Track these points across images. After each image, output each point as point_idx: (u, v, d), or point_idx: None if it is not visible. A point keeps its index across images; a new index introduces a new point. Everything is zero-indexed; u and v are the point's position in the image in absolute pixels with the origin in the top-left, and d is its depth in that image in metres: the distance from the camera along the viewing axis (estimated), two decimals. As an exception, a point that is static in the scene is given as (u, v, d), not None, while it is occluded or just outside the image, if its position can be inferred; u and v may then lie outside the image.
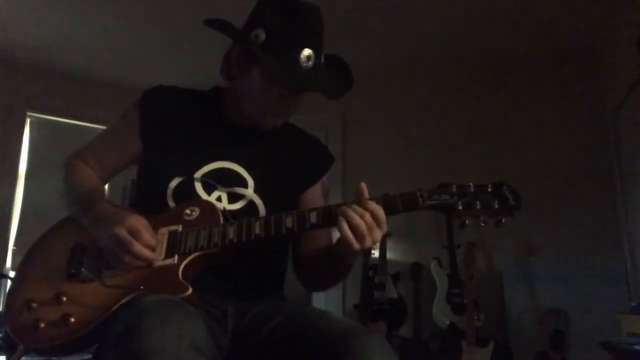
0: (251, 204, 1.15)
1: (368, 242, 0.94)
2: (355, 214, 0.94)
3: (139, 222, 1.00)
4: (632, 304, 2.47)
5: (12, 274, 3.06)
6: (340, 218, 0.94)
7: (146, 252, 0.98)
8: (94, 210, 1.07)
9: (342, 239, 0.94)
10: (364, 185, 0.98)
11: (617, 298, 2.68)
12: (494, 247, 3.06)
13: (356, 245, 0.93)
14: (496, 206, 0.96)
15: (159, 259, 1.00)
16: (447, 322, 2.77)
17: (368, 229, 0.93)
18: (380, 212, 0.95)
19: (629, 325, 2.28)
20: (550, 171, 3.10)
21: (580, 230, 2.95)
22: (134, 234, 0.98)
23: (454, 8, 2.81)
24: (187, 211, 1.08)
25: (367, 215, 0.94)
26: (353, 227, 0.93)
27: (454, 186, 0.98)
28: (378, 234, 0.95)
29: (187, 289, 0.95)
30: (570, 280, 2.82)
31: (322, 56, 1.12)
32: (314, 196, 1.25)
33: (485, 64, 3.37)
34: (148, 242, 0.99)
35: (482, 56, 3.32)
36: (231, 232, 1.01)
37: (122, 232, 0.97)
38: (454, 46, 3.24)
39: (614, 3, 2.69)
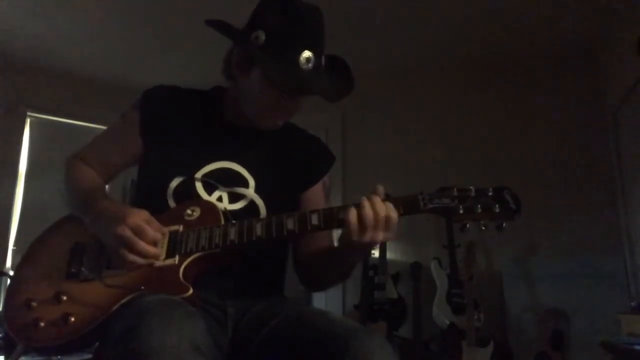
0: (252, 204, 1.15)
1: (367, 237, 0.94)
2: (368, 206, 0.94)
3: (141, 218, 0.99)
4: (632, 304, 2.47)
5: (12, 273, 3.06)
6: (352, 207, 0.94)
7: (151, 250, 0.98)
8: (95, 208, 1.07)
9: (345, 227, 0.94)
10: (381, 188, 0.98)
11: (617, 298, 2.69)
12: (494, 247, 3.06)
13: (355, 235, 0.93)
14: (497, 210, 0.96)
15: (160, 259, 1.00)
16: (447, 322, 2.77)
17: (374, 224, 0.93)
18: (393, 214, 0.95)
19: (629, 325, 2.28)
20: (550, 171, 3.10)
21: (580, 230, 2.94)
22: (138, 232, 0.97)
23: (454, 8, 2.81)
24: (188, 211, 1.08)
25: (382, 214, 0.94)
26: (361, 216, 0.93)
27: (455, 190, 0.98)
28: (380, 235, 0.95)
29: (187, 290, 0.95)
30: (570, 280, 2.82)
31: (323, 58, 1.12)
32: (315, 196, 1.25)
33: (485, 64, 3.37)
34: (153, 238, 0.99)
35: (482, 56, 3.33)
36: (232, 233, 1.01)
37: (126, 232, 0.96)
38: (454, 46, 3.24)
39: (613, 3, 2.69)
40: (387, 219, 0.94)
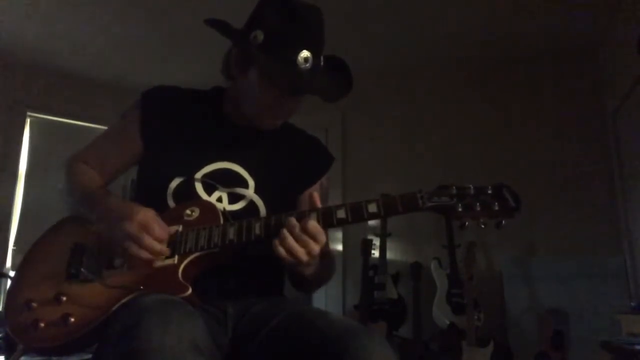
0: (252, 204, 1.15)
1: (302, 256, 0.96)
2: (284, 230, 0.96)
3: (149, 216, 1.00)
4: (632, 303, 2.47)
5: (12, 273, 3.06)
6: (278, 244, 0.96)
7: (157, 246, 0.99)
8: (102, 205, 1.07)
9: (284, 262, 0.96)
10: (315, 195, 1.01)
11: (617, 298, 2.69)
12: (494, 247, 3.06)
13: (288, 259, 0.95)
14: (496, 208, 0.96)
15: (160, 259, 1.01)
16: (447, 322, 2.77)
17: (297, 241, 0.95)
18: (310, 224, 0.96)
19: (629, 325, 2.28)
20: (550, 171, 3.10)
21: (580, 230, 2.94)
22: (145, 228, 0.98)
23: (453, 8, 2.81)
24: (187, 211, 1.08)
25: (297, 228, 0.95)
26: (281, 241, 0.95)
27: (454, 188, 0.98)
28: (313, 245, 0.96)
29: (187, 289, 0.95)
30: (570, 280, 2.82)
31: (322, 58, 1.12)
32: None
33: (485, 64, 3.38)
34: (159, 235, 1.00)
35: (482, 56, 3.33)
36: (231, 233, 1.01)
37: (133, 228, 0.97)
38: (454, 46, 3.24)
39: (614, 3, 2.69)
40: (304, 229, 0.95)
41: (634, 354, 1.89)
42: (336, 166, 1.35)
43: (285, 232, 0.96)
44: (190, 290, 0.95)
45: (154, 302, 0.84)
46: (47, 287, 1.02)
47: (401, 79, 3.56)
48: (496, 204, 0.96)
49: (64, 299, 0.99)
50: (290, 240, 0.95)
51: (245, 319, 1.09)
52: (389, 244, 3.10)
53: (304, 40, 1.08)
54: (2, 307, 2.48)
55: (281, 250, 0.96)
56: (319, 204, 1.00)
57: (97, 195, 1.11)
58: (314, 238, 0.96)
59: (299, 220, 0.97)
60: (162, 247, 1.00)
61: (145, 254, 0.98)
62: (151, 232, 0.99)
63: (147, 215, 1.00)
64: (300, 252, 0.96)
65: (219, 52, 1.22)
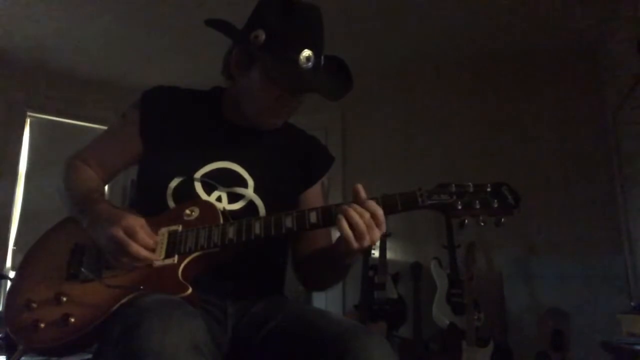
0: (251, 204, 1.15)
1: (367, 242, 0.94)
2: (355, 213, 0.94)
3: (136, 222, 0.99)
4: (632, 304, 2.47)
5: (12, 274, 3.06)
6: (340, 216, 0.94)
7: (143, 252, 0.98)
8: (92, 210, 1.06)
9: (342, 238, 0.95)
10: (360, 187, 0.98)
11: (617, 298, 2.69)
12: (494, 247, 3.06)
13: (355, 244, 0.93)
14: (495, 206, 0.96)
15: (159, 259, 1.00)
16: (447, 322, 2.77)
17: (367, 228, 0.94)
18: (379, 212, 0.95)
19: (629, 325, 2.28)
20: (550, 171, 3.10)
21: (580, 230, 2.94)
22: (131, 234, 0.97)
23: (453, 8, 2.82)
24: (187, 211, 1.08)
25: (367, 215, 0.94)
26: (352, 226, 0.93)
27: (453, 186, 0.98)
28: (377, 234, 0.95)
29: (187, 289, 0.95)
30: (570, 280, 2.82)
31: (322, 57, 1.12)
32: (314, 196, 1.25)
33: (485, 64, 3.38)
34: (145, 242, 0.99)
35: (482, 56, 3.33)
36: (231, 232, 1.01)
37: (119, 233, 0.96)
38: (454, 46, 3.24)
39: (614, 3, 2.69)
40: (375, 216, 0.95)
41: (634, 354, 1.89)
42: (336, 166, 1.35)
43: (356, 216, 0.94)
44: (190, 290, 0.95)
45: (154, 302, 0.84)
46: (47, 288, 1.02)
47: (401, 79, 3.56)
48: (495, 201, 0.96)
49: (64, 299, 0.99)
50: (362, 226, 0.93)
51: (245, 318, 1.09)
52: (389, 244, 3.10)
53: (305, 40, 1.08)
54: (3, 307, 2.48)
55: (349, 233, 0.93)
56: (364, 195, 0.97)
57: (88, 200, 1.10)
58: (379, 226, 0.95)
59: (364, 207, 0.95)
60: (147, 254, 0.98)
61: (130, 260, 0.97)
62: (137, 238, 0.97)
63: (133, 221, 0.99)
64: (368, 239, 0.94)
65: (219, 52, 1.22)
